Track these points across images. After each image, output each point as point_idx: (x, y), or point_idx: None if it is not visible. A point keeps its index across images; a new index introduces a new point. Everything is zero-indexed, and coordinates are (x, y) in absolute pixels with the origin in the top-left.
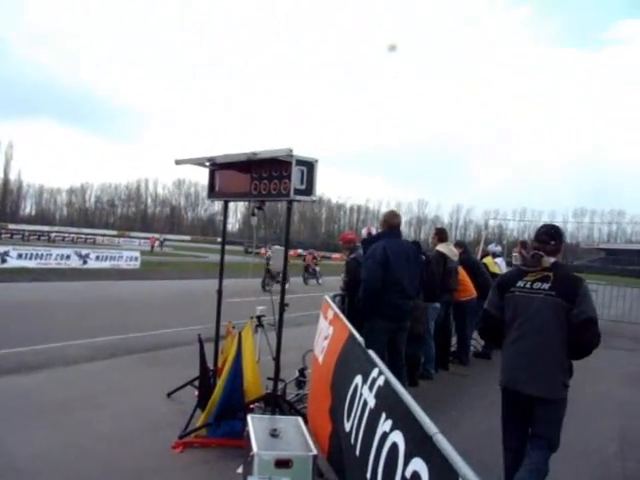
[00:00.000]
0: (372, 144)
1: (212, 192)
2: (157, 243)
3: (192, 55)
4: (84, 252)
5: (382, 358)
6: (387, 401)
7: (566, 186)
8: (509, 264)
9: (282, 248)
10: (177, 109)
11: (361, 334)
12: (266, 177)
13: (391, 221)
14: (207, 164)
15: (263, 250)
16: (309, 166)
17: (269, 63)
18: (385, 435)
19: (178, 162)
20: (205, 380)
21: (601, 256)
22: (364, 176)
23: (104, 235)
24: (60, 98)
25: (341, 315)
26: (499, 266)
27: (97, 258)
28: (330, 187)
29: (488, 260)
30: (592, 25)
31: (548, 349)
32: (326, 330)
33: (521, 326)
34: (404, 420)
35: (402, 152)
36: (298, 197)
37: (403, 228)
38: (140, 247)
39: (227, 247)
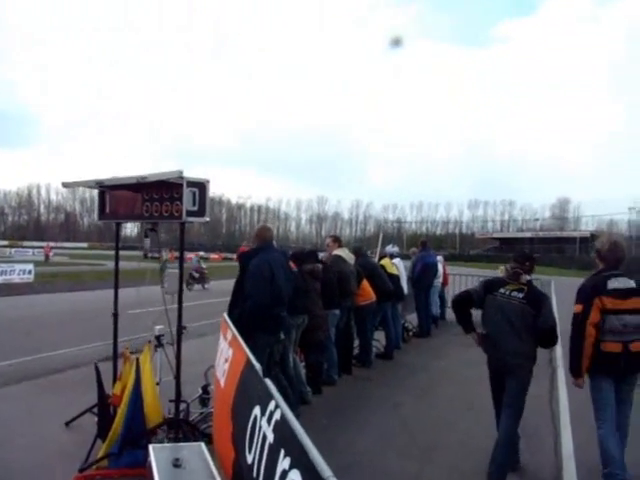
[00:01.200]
0: (268, 142)
1: (103, 213)
2: (52, 252)
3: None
4: None
5: (269, 372)
6: (285, 437)
7: (459, 179)
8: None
9: (177, 272)
10: (69, 112)
11: None
12: (157, 199)
13: (267, 235)
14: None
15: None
16: (200, 187)
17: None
18: (285, 473)
19: (65, 185)
20: (104, 408)
21: (495, 245)
22: (263, 175)
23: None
24: None
25: (239, 338)
26: (397, 267)
27: None
28: (230, 187)
29: (386, 262)
30: (479, 23)
31: (518, 341)
32: (226, 352)
33: (499, 322)
34: (300, 459)
35: (299, 148)
36: (190, 219)
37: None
38: (34, 257)
39: (125, 252)
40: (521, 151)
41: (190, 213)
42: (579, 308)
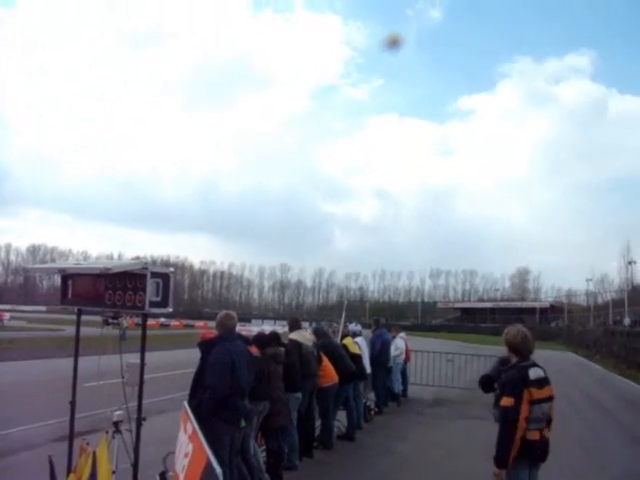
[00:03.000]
0: (232, 208)
1: (64, 298)
2: (7, 316)
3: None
4: None
5: (229, 464)
6: None
7: (421, 248)
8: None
9: (138, 362)
10: (32, 173)
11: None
12: (121, 288)
13: (229, 323)
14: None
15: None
16: (165, 278)
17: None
18: None
19: (27, 271)
20: None
21: (457, 315)
22: (226, 241)
23: None
24: None
25: (200, 434)
26: (359, 346)
27: None
28: (193, 252)
29: (348, 341)
30: (439, 99)
31: None
32: (186, 446)
33: None
34: None
35: (262, 215)
36: (153, 310)
37: (267, 293)
38: None
39: (85, 317)
40: (482, 220)
41: (153, 304)
42: (510, 402)
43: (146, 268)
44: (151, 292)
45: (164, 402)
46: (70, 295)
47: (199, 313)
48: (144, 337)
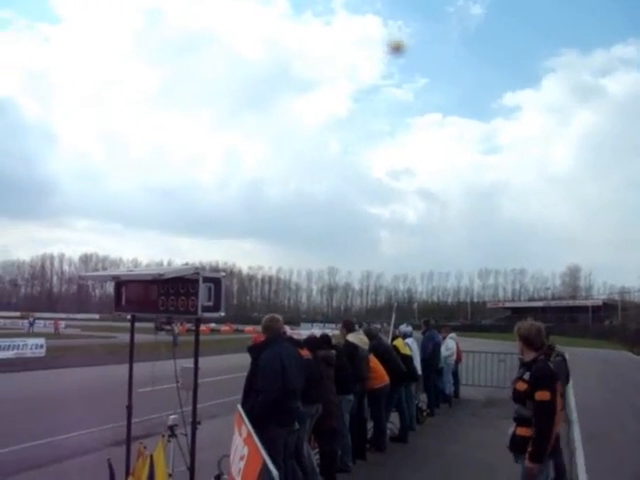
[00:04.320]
0: (279, 213)
1: (119, 305)
2: (29, 321)
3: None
4: None
5: (284, 466)
6: None
7: (470, 248)
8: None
9: (191, 366)
10: (85, 180)
11: None
12: (173, 293)
13: (275, 326)
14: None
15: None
16: (216, 282)
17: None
18: None
19: (82, 278)
20: None
21: (507, 314)
22: (274, 246)
23: (6, 317)
24: None
25: (255, 437)
26: (410, 347)
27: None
28: (241, 258)
29: (398, 342)
30: (483, 96)
31: None
32: (241, 449)
33: None
34: None
35: (310, 219)
36: (206, 314)
37: (315, 296)
38: (45, 329)
39: (138, 324)
40: (531, 219)
41: (205, 308)
42: (546, 395)
43: (198, 273)
44: (203, 297)
45: (216, 406)
46: (124, 302)
47: (248, 318)
48: (197, 342)
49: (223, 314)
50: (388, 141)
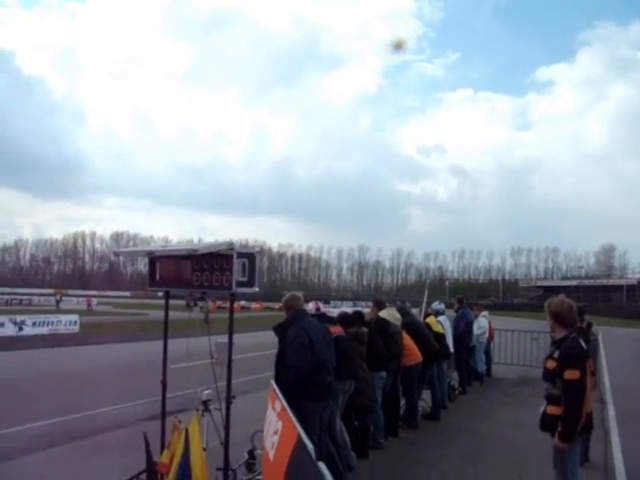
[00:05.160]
0: (309, 190)
1: (153, 281)
2: (56, 299)
3: (127, 106)
4: (19, 318)
5: (318, 441)
6: None
7: (502, 226)
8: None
9: (226, 342)
10: (113, 160)
11: None
12: (207, 269)
13: (297, 303)
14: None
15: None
16: (250, 258)
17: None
18: None
19: (117, 254)
20: (153, 477)
21: (539, 293)
22: (304, 224)
23: (40, 295)
24: None
25: (289, 411)
26: (442, 325)
27: (34, 324)
28: (271, 235)
29: (431, 320)
30: (516, 71)
31: None
32: (275, 424)
33: None
34: None
35: (340, 197)
36: (240, 289)
37: (345, 274)
38: (78, 306)
39: (170, 301)
40: (565, 197)
41: (240, 283)
42: (575, 374)
43: (232, 248)
44: (237, 272)
45: (249, 383)
46: (158, 278)
47: (278, 296)
48: (232, 317)
49: (257, 289)
50: (419, 117)
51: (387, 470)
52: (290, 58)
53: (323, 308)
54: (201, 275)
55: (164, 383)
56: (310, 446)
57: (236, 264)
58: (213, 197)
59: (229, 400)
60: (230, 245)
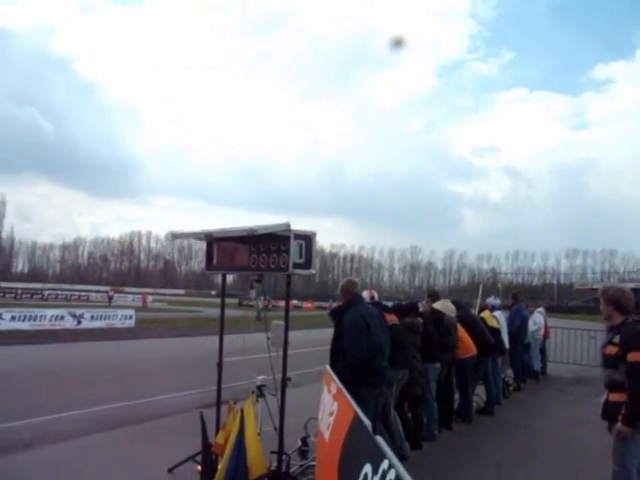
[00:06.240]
0: (361, 191)
1: (210, 265)
2: (108, 295)
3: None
4: (78, 312)
5: (374, 428)
6: None
7: (557, 227)
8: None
9: (282, 323)
10: (168, 161)
11: None
12: (264, 251)
13: (354, 289)
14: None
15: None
16: (307, 240)
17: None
18: None
19: (175, 236)
20: (208, 458)
21: (595, 296)
22: (356, 224)
23: (97, 291)
24: (46, 154)
25: (345, 392)
26: (497, 320)
27: (92, 318)
28: (323, 236)
29: (486, 314)
30: (572, 69)
31: None
32: (330, 405)
33: None
34: None
35: (393, 198)
36: (297, 271)
37: (397, 275)
38: (133, 302)
39: (218, 300)
40: (622, 198)
41: (297, 265)
42: (639, 356)
43: (289, 230)
44: (294, 253)
45: (301, 376)
46: (215, 261)
47: (330, 296)
48: (288, 295)
49: (314, 271)
50: (472, 117)
51: (441, 462)
52: (343, 58)
53: (377, 297)
54: (258, 257)
55: (220, 366)
56: (367, 422)
57: (293, 245)
58: (265, 197)
59: (284, 382)
60: (287, 226)
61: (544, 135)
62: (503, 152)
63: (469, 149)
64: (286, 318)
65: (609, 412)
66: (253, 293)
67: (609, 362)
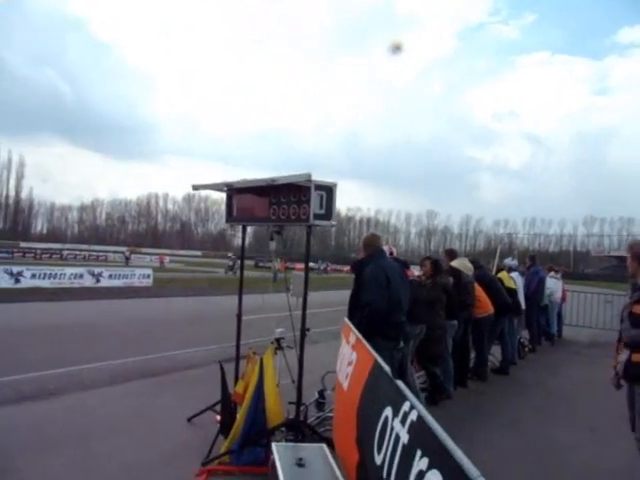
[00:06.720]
0: (378, 154)
1: (230, 216)
2: (128, 252)
3: (201, 72)
4: (97, 271)
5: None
6: (421, 438)
7: (575, 194)
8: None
9: (302, 274)
10: (185, 123)
11: None
12: (285, 202)
13: (377, 243)
14: (224, 189)
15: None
16: (328, 191)
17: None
18: (422, 474)
19: (195, 187)
20: (228, 407)
21: (612, 263)
22: (372, 188)
23: (115, 252)
24: (64, 116)
25: (364, 341)
26: (515, 281)
27: (110, 276)
28: (339, 199)
29: (503, 275)
30: (596, 32)
31: None
32: (349, 355)
33: None
34: (442, 460)
35: (410, 161)
36: (317, 222)
37: (414, 239)
38: (151, 263)
39: (238, 261)
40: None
41: (317, 216)
42: None
43: (310, 180)
44: (315, 204)
45: (317, 334)
46: (235, 213)
47: (346, 259)
48: (308, 246)
49: (334, 223)
50: (492, 81)
51: (457, 418)
52: (362, 21)
53: (395, 253)
54: (278, 209)
55: (239, 316)
56: (387, 367)
57: (314, 196)
58: (283, 162)
59: (303, 330)
60: (308, 176)
61: (565, 100)
62: (523, 117)
63: (489, 114)
64: (306, 268)
65: (632, 372)
66: (273, 245)
67: (637, 321)
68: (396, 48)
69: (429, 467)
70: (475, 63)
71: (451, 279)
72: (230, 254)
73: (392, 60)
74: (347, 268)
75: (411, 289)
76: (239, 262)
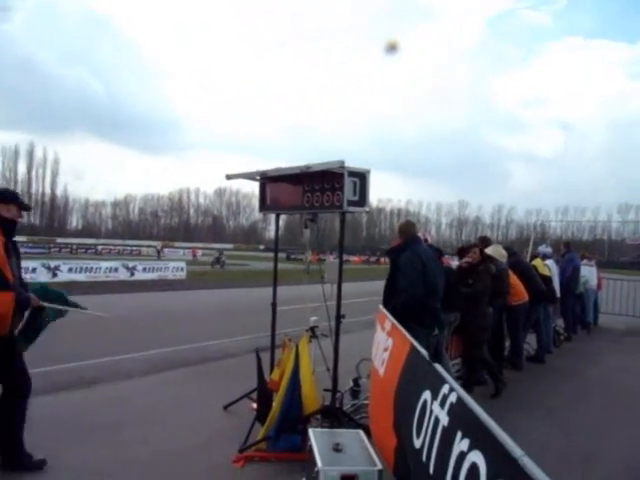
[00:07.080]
0: (409, 145)
1: (263, 205)
2: (160, 246)
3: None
4: (131, 264)
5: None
6: (462, 419)
7: (609, 182)
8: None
9: (336, 261)
10: (214, 118)
11: None
12: (318, 189)
13: (412, 230)
14: (258, 178)
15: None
16: (361, 177)
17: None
18: (463, 455)
19: (229, 177)
20: (264, 394)
21: None
22: (403, 178)
23: (148, 246)
24: (96, 112)
25: (399, 326)
26: (549, 268)
27: (144, 270)
28: (370, 190)
29: (537, 262)
30: (630, 15)
31: None
32: (385, 342)
33: None
34: (483, 440)
35: (440, 152)
36: (351, 208)
37: (445, 229)
38: (184, 257)
39: (269, 254)
40: None
41: (351, 203)
42: None
43: (343, 167)
44: (349, 191)
45: (351, 324)
46: (268, 201)
47: (377, 250)
48: (342, 232)
49: (368, 209)
50: (523, 68)
51: (493, 406)
52: (388, 10)
53: (430, 241)
54: (312, 196)
55: (274, 305)
56: (424, 351)
57: (347, 183)
58: (314, 153)
59: (339, 319)
60: (342, 163)
61: (599, 86)
62: (553, 104)
63: (520, 101)
64: (340, 254)
65: None
66: (307, 233)
67: None
68: (391, 47)
69: (470, 448)
70: (505, 49)
71: (494, 266)
72: (261, 247)
73: (419, 51)
74: (376, 258)
75: (447, 277)
76: (224, 255)
